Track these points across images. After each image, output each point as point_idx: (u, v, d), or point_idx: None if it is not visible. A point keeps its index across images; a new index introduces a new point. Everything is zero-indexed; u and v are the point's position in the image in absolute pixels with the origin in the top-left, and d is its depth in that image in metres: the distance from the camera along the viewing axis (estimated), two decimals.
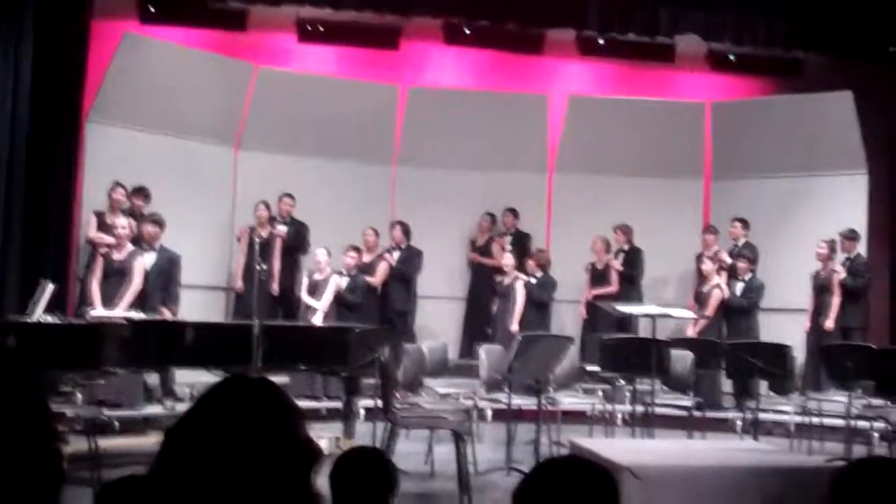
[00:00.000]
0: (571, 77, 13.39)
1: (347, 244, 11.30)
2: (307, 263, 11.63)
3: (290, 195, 11.72)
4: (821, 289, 11.13)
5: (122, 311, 8.98)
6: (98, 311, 9.00)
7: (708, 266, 11.37)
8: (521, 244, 12.48)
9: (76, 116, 10.19)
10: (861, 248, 11.29)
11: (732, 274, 11.47)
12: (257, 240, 9.89)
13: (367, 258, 11.78)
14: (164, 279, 10.07)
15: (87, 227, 10.27)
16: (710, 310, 11.03)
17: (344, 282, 11.10)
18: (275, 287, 11.38)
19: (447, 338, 11.28)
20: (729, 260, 11.63)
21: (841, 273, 10.96)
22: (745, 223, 11.90)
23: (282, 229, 11.62)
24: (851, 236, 11.20)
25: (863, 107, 11.95)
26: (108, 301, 9.28)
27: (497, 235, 12.65)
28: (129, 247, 9.55)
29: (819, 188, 12.28)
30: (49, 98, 9.61)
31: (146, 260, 9.73)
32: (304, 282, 11.16)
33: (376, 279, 11.77)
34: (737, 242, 11.87)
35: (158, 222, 9.99)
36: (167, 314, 9.52)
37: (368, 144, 12.58)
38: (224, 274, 11.97)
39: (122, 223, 9.60)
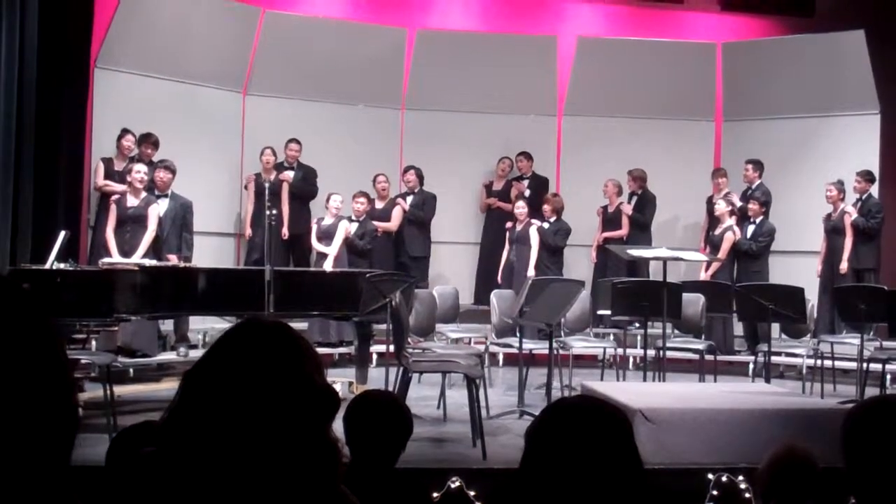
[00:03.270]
0: (581, 18, 13.27)
1: (356, 189, 11.26)
2: (317, 208, 11.62)
3: (295, 140, 11.68)
4: (833, 230, 11.08)
5: (137, 258, 9.00)
6: (115, 258, 9.00)
7: (721, 208, 11.29)
8: (539, 188, 12.42)
9: (84, 62, 10.13)
10: (873, 189, 11.21)
11: (744, 216, 11.41)
12: (265, 185, 9.88)
13: (379, 204, 11.77)
14: (179, 226, 10.10)
15: (95, 175, 10.27)
16: (722, 253, 10.97)
17: (353, 227, 11.10)
18: (284, 232, 11.37)
19: (459, 283, 11.29)
20: (738, 202, 11.57)
21: (853, 214, 10.90)
22: (756, 164, 11.80)
23: (288, 174, 11.60)
24: (867, 177, 11.09)
25: (875, 46, 11.82)
26: (125, 249, 9.30)
27: (514, 179, 12.59)
28: (143, 193, 9.57)
29: (831, 129, 12.20)
30: (56, 45, 9.53)
31: (160, 207, 9.75)
32: (314, 228, 11.17)
33: (392, 225, 11.77)
34: (751, 185, 11.78)
35: (171, 169, 9.99)
36: (174, 260, 9.53)
37: (376, 88, 12.52)
38: (234, 219, 11.98)
39: (142, 168, 9.59)
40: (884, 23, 11.98)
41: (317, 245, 11.05)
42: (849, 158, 11.53)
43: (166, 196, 9.98)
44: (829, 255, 11.12)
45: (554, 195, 11.88)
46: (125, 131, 10.30)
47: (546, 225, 11.51)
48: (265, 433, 1.70)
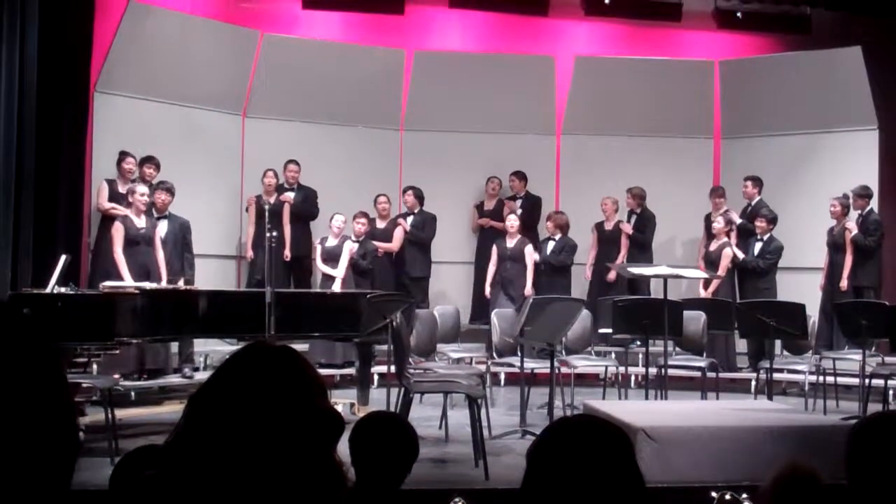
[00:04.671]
0: (578, 37, 13.31)
1: (356, 210, 11.29)
2: (318, 229, 11.64)
3: (294, 161, 11.70)
4: (835, 246, 11.07)
5: (164, 282, 9.09)
6: (127, 279, 9.00)
7: (719, 225, 11.31)
8: (532, 207, 12.44)
9: (84, 87, 10.15)
10: (873, 205, 11.20)
11: (750, 233, 11.40)
12: (266, 207, 9.90)
13: (380, 225, 11.79)
14: (180, 246, 10.15)
15: (99, 197, 10.26)
16: (721, 269, 10.98)
17: (354, 248, 11.12)
18: (286, 253, 11.38)
19: (458, 302, 11.28)
20: (738, 220, 11.58)
21: (853, 230, 10.89)
22: (756, 181, 11.81)
23: (289, 195, 11.61)
24: (864, 193, 11.08)
25: (872, 62, 11.85)
26: (139, 270, 9.31)
27: (506, 199, 12.60)
28: (144, 214, 9.61)
29: (830, 145, 12.21)
30: (56, 69, 9.55)
31: (160, 228, 9.80)
32: (318, 249, 11.19)
33: (393, 245, 11.77)
34: (750, 202, 11.79)
35: (171, 190, 10.05)
36: (179, 283, 9.57)
37: (375, 109, 12.54)
38: (235, 242, 11.98)
39: (144, 190, 9.63)
40: (880, 38, 12.01)
41: (322, 267, 11.07)
42: (848, 175, 11.52)
43: (165, 217, 10.02)
44: (830, 271, 11.10)
45: (557, 213, 11.89)
46: (124, 154, 10.31)
47: (551, 243, 11.55)
48: (270, 456, 1.70)
